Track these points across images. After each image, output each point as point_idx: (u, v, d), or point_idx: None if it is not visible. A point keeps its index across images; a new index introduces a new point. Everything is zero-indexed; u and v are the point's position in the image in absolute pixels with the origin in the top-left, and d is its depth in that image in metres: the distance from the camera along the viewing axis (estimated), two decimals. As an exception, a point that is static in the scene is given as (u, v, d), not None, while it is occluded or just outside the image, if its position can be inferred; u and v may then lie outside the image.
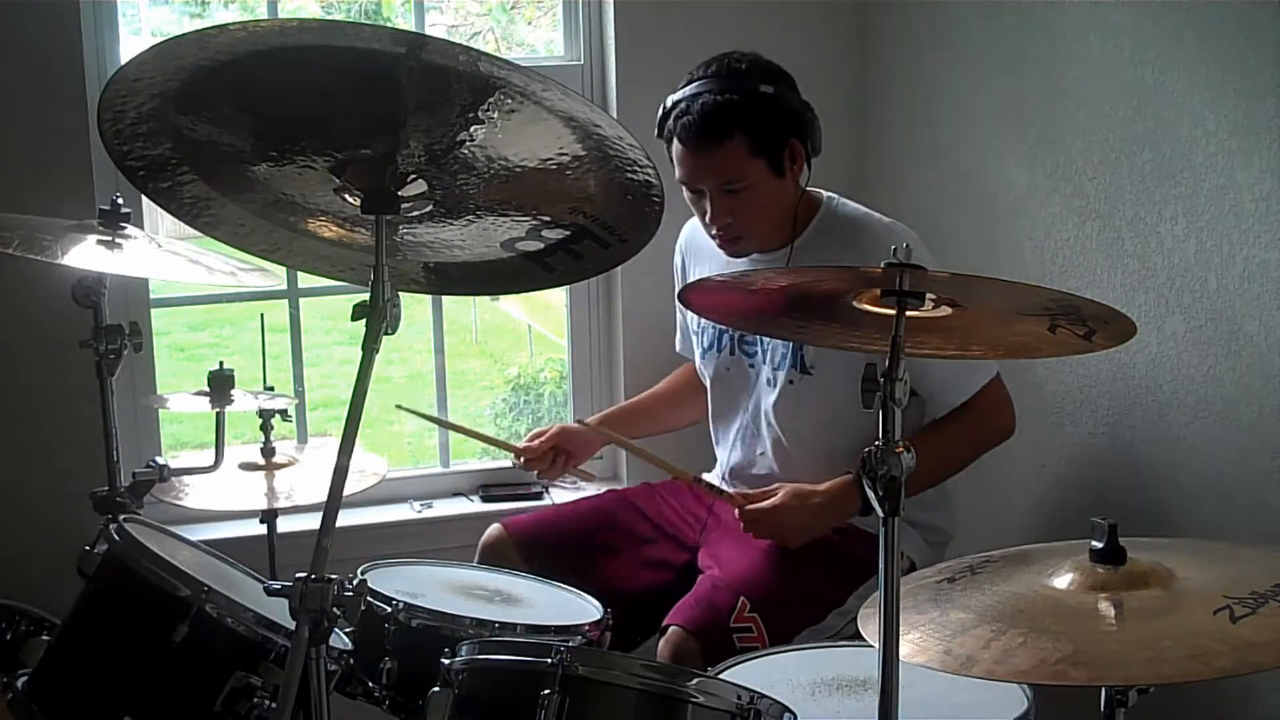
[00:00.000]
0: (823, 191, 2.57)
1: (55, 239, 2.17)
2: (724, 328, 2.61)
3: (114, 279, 2.27)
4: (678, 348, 2.88)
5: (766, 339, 2.56)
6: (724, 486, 2.66)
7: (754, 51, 2.48)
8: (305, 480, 2.58)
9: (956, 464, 2.51)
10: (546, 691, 1.70)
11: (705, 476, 2.77)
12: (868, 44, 3.19)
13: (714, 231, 2.50)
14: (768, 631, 2.32)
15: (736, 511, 2.47)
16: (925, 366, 2.40)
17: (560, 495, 3.09)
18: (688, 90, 2.43)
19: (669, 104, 2.45)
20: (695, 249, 2.71)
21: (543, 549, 2.60)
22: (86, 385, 2.23)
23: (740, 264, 2.55)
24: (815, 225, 2.52)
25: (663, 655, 2.28)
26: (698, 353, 2.72)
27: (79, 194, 2.72)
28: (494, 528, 2.66)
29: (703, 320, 2.63)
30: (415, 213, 1.69)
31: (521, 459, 2.73)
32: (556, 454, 2.74)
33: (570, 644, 1.95)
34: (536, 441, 2.75)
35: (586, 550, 2.61)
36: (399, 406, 2.79)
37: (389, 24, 3.94)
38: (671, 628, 2.31)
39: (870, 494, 1.55)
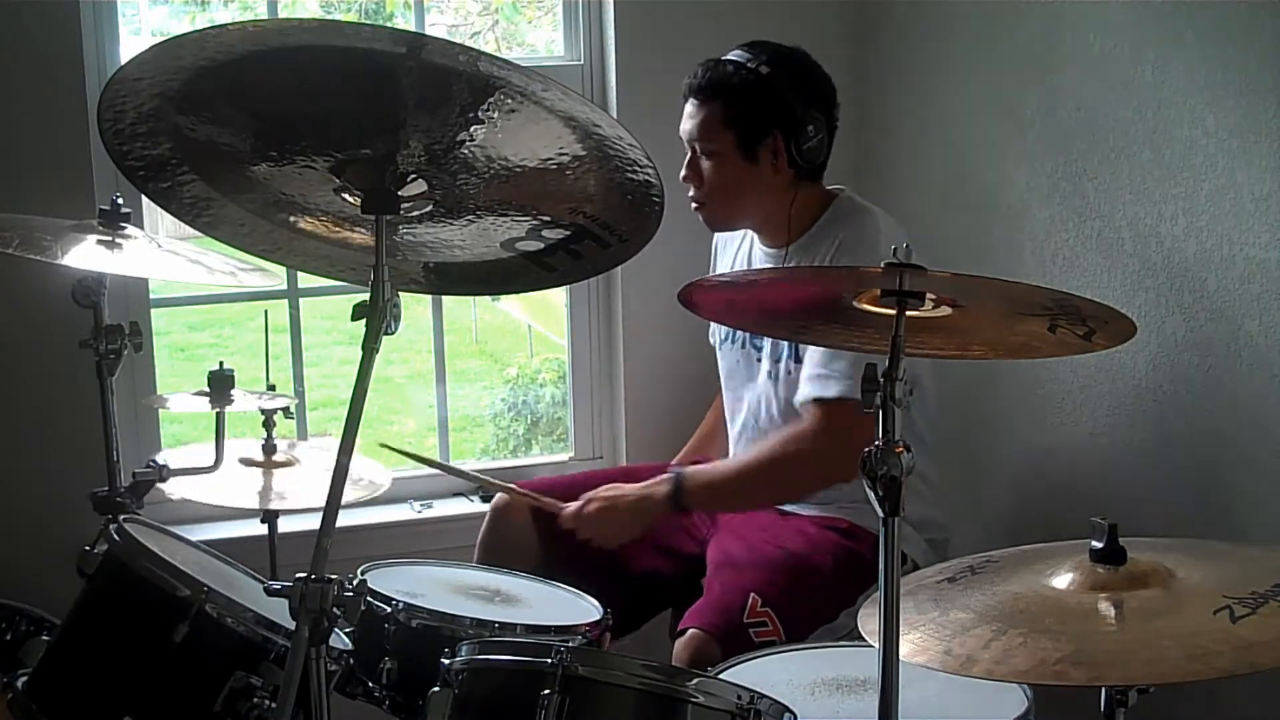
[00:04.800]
0: (841, 190, 2.60)
1: (55, 239, 2.17)
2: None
3: (114, 279, 2.27)
4: (710, 339, 2.88)
5: (770, 338, 2.57)
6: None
7: (808, 54, 2.55)
8: (305, 480, 2.57)
9: (756, 502, 2.55)
10: (546, 691, 1.70)
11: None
12: (868, 43, 3.19)
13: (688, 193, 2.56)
14: (782, 627, 2.33)
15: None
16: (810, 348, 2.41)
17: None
18: None
19: None
20: (725, 241, 2.75)
21: (554, 518, 2.59)
22: (86, 385, 2.23)
23: (757, 262, 2.57)
24: (820, 223, 2.54)
25: (681, 658, 2.28)
26: (716, 345, 2.74)
27: (79, 194, 2.72)
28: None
29: None
30: (415, 213, 1.69)
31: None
32: None
33: (570, 644, 1.95)
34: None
35: None
36: (382, 445, 2.79)
37: (389, 24, 3.94)
38: (690, 630, 2.31)
39: (870, 494, 1.55)
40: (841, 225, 2.51)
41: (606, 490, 2.54)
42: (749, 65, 2.48)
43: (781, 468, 2.48)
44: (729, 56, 2.52)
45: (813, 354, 2.43)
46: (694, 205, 2.56)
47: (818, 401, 2.42)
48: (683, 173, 2.54)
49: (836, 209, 2.56)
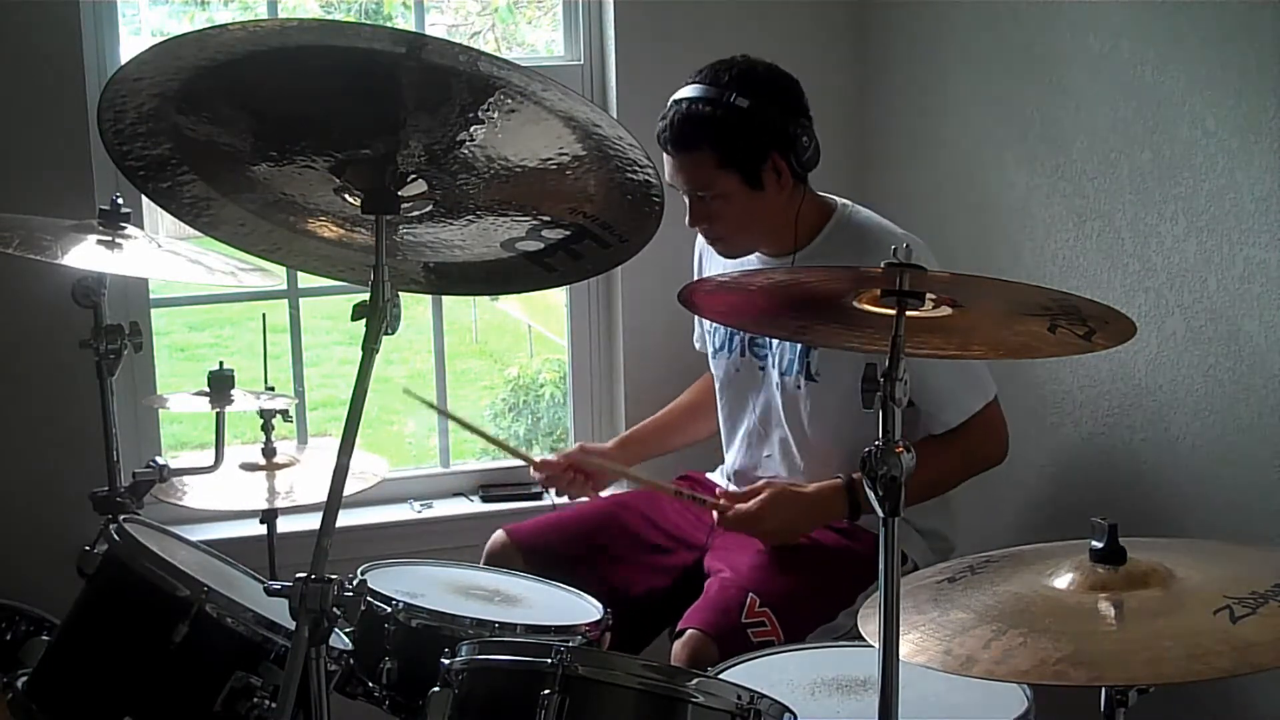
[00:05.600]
0: (836, 199, 2.57)
1: (55, 239, 2.17)
2: (736, 329, 2.61)
3: (114, 279, 2.27)
4: (696, 345, 2.87)
5: (776, 342, 2.56)
6: (731, 487, 2.69)
7: (759, 59, 2.46)
8: (305, 480, 2.57)
9: (943, 486, 2.52)
10: (546, 691, 1.70)
11: (709, 475, 2.79)
12: (868, 44, 3.19)
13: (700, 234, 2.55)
14: (781, 627, 2.32)
15: (715, 515, 2.51)
16: (924, 380, 2.40)
17: (553, 506, 3.08)
18: (677, 94, 2.45)
19: (666, 105, 2.47)
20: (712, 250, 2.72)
21: (546, 555, 2.59)
22: (86, 385, 2.23)
23: (747, 264, 2.55)
24: (825, 234, 2.51)
25: (679, 658, 2.28)
26: (710, 353, 2.73)
27: (79, 194, 2.72)
28: (498, 535, 2.66)
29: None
30: (415, 213, 1.69)
31: (541, 474, 2.74)
32: (575, 472, 2.74)
33: (570, 644, 1.95)
34: (555, 456, 2.76)
35: (590, 556, 2.61)
36: (406, 391, 2.83)
37: (389, 24, 3.94)
38: (688, 631, 2.31)
39: (870, 494, 1.55)
40: (855, 244, 2.47)
41: (779, 488, 2.50)
42: (724, 100, 2.39)
43: (969, 473, 2.53)
44: (694, 95, 2.41)
45: (929, 395, 2.40)
46: (710, 241, 2.54)
47: (973, 417, 2.46)
48: (688, 220, 2.49)
49: (842, 223, 2.52)
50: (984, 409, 2.47)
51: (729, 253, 2.56)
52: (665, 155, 2.45)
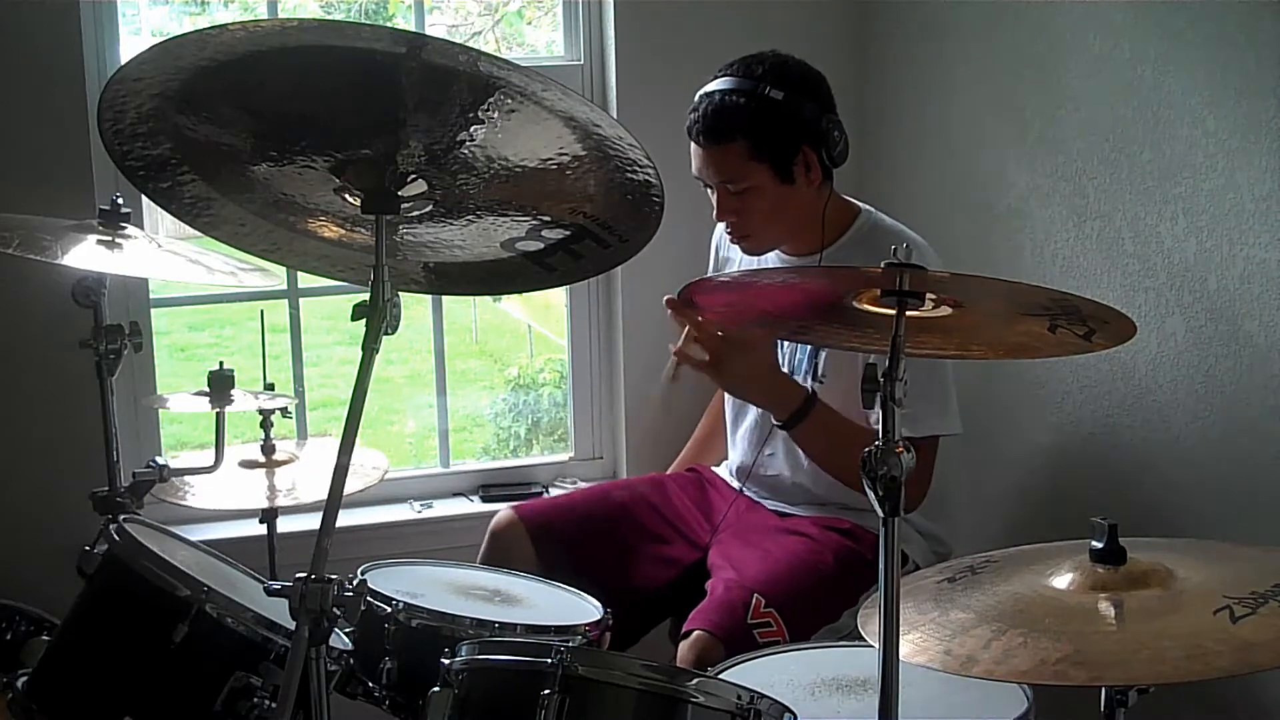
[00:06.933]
0: (859, 203, 2.57)
1: (55, 239, 2.17)
2: None
3: (114, 279, 2.27)
4: None
5: (786, 343, 2.56)
6: (733, 483, 2.71)
7: (788, 54, 2.46)
8: (305, 478, 2.57)
9: (840, 467, 2.44)
10: (546, 691, 1.70)
11: (715, 470, 2.79)
12: (868, 44, 3.19)
13: (723, 227, 2.54)
14: (786, 627, 2.33)
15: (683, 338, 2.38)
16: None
17: (559, 493, 3.08)
18: (707, 86, 2.45)
19: (695, 97, 2.46)
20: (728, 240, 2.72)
21: (553, 537, 2.60)
22: (86, 385, 2.23)
23: (767, 262, 2.56)
24: (849, 237, 2.52)
25: (686, 660, 2.27)
26: None
27: (79, 194, 2.72)
28: (505, 512, 2.65)
29: None
30: (415, 213, 1.69)
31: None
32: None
33: (570, 644, 1.95)
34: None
35: (597, 543, 2.61)
36: None
37: (389, 24, 3.94)
38: (695, 632, 2.30)
39: (870, 494, 1.55)
40: (882, 250, 2.44)
41: (760, 345, 2.40)
42: (757, 92, 2.39)
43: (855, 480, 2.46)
44: (725, 87, 2.41)
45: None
46: (736, 238, 2.52)
47: (916, 439, 2.39)
48: (717, 215, 2.48)
49: (868, 227, 2.52)
50: (928, 439, 2.38)
51: (753, 249, 2.55)
52: (694, 147, 2.45)
